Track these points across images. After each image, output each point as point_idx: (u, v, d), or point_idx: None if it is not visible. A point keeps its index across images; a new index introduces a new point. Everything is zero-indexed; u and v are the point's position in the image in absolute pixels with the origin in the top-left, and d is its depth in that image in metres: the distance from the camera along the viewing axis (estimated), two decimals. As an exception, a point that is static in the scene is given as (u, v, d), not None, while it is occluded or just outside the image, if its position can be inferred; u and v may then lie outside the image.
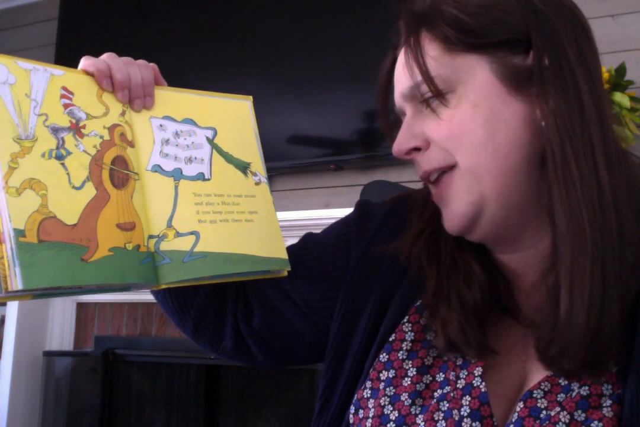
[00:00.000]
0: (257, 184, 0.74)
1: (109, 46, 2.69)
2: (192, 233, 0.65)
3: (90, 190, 0.59)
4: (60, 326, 2.51)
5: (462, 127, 0.61)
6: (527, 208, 0.63)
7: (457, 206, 0.63)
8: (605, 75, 1.67)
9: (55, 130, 0.58)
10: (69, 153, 0.58)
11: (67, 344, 2.51)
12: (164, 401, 2.34)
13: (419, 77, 0.62)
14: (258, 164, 0.75)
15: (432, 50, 0.62)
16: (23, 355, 2.38)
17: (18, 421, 2.36)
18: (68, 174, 0.58)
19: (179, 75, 2.29)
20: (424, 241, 0.69)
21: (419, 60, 0.62)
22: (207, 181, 0.69)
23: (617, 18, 1.91)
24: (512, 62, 0.61)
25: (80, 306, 2.53)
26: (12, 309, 2.39)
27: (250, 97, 0.78)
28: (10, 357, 2.34)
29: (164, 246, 0.63)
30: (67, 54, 2.57)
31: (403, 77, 0.65)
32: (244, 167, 0.74)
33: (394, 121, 0.70)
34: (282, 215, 2.01)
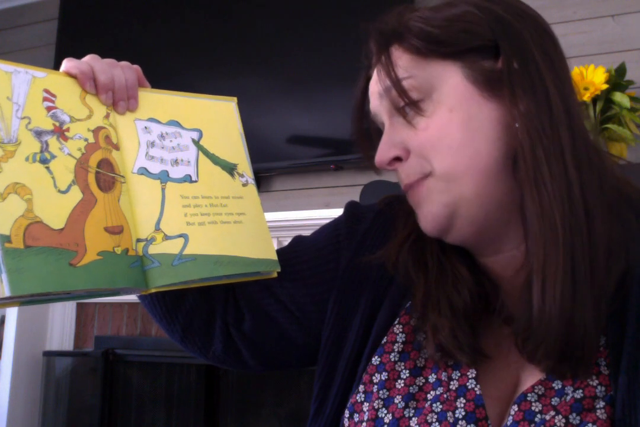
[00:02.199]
0: (244, 185, 0.74)
1: (109, 46, 2.68)
2: (180, 236, 0.65)
3: (76, 194, 0.58)
4: (60, 326, 2.50)
5: (440, 132, 0.62)
6: (506, 208, 0.63)
7: (431, 207, 0.64)
8: (605, 75, 1.66)
9: (38, 134, 0.57)
10: (53, 157, 0.58)
11: (67, 344, 2.50)
12: (164, 401, 2.34)
13: (392, 89, 0.64)
14: (244, 165, 0.75)
15: (404, 62, 0.64)
16: (23, 355, 2.38)
17: (18, 421, 2.36)
18: (53, 177, 0.57)
19: (179, 75, 2.29)
20: (409, 248, 0.69)
21: (390, 73, 0.64)
22: (194, 183, 0.69)
23: (617, 18, 1.91)
24: (483, 66, 0.62)
25: (80, 306, 2.53)
26: (12, 309, 2.38)
27: (235, 98, 0.78)
28: (10, 357, 2.34)
29: (153, 249, 0.62)
30: (67, 54, 2.55)
31: (377, 90, 0.67)
32: (230, 169, 0.73)
33: (371, 139, 0.72)
34: (282, 215, 2.00)
